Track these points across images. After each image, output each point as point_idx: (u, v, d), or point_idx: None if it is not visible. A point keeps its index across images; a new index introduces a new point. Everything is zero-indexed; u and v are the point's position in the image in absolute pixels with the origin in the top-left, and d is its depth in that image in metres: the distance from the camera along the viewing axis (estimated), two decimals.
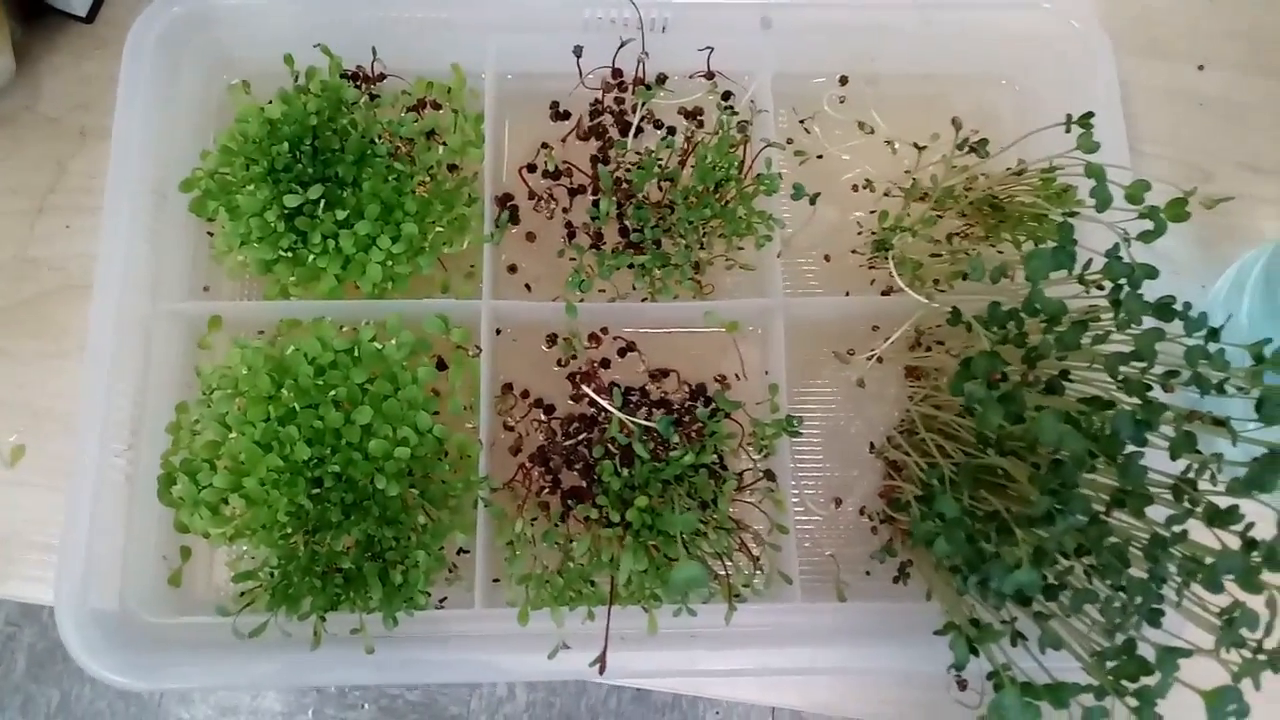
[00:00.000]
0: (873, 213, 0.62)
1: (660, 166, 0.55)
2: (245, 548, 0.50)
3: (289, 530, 0.49)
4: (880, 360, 0.58)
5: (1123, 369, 0.46)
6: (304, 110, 0.54)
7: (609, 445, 0.52)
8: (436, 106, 0.60)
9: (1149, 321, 0.46)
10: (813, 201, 0.56)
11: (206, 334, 0.55)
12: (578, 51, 0.58)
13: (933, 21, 0.62)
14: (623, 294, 0.58)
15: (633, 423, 0.51)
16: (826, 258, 0.61)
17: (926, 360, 0.58)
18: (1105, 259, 0.47)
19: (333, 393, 0.51)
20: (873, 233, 0.60)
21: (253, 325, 0.56)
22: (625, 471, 0.51)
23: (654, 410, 0.55)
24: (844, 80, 0.64)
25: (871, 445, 0.58)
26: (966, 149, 0.55)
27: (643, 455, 0.50)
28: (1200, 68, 0.69)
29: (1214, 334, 0.46)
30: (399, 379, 0.52)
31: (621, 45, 0.58)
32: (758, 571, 0.52)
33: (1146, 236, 0.48)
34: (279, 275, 0.55)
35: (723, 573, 0.50)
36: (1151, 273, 0.46)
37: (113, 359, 0.51)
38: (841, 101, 0.64)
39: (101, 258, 0.52)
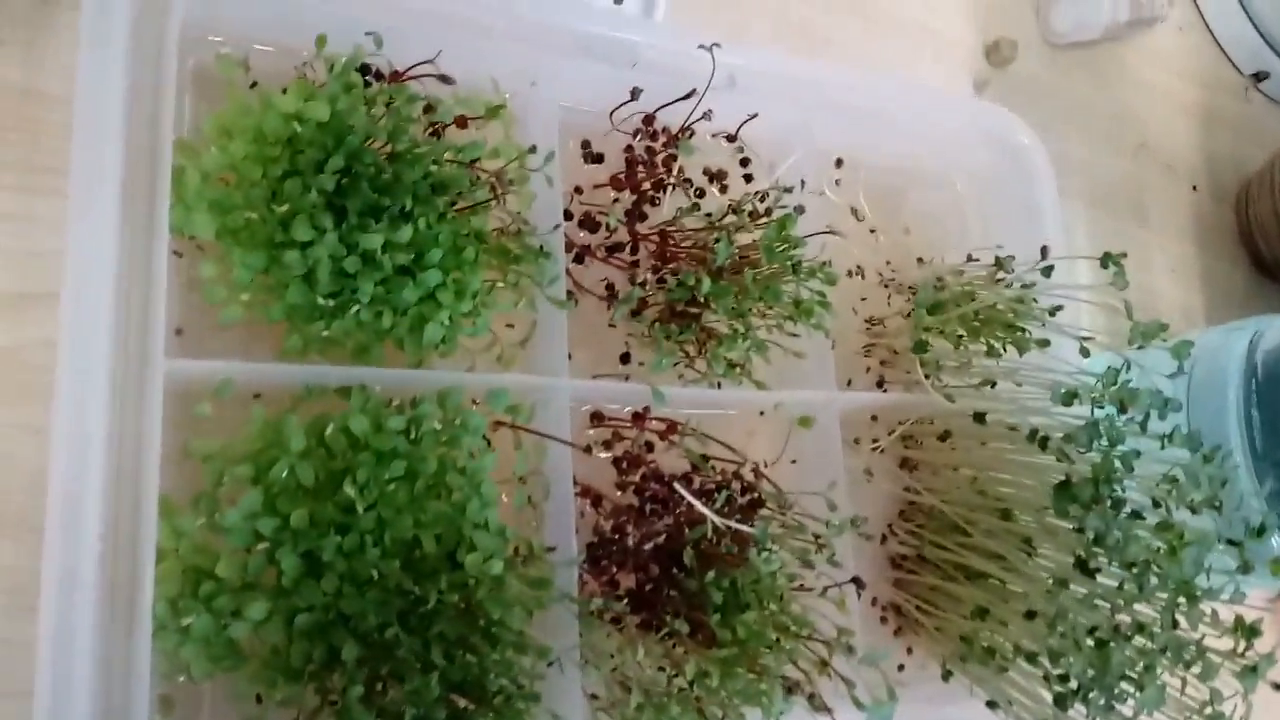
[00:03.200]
0: (864, 300, 0.63)
1: (728, 236, 0.51)
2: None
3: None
4: (882, 450, 0.60)
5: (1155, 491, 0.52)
6: (354, 111, 0.42)
7: (700, 548, 0.47)
8: (462, 125, 0.49)
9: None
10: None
11: (205, 401, 0.40)
12: (635, 94, 0.52)
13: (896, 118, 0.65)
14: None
15: (725, 525, 0.47)
16: (833, 343, 0.60)
17: (921, 452, 0.60)
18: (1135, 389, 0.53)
19: (391, 486, 0.41)
20: (877, 323, 0.62)
21: (247, 390, 0.42)
22: (721, 580, 0.46)
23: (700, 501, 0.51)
24: (839, 162, 0.64)
25: (884, 538, 0.59)
26: (994, 265, 0.58)
27: (761, 569, 0.46)
28: None
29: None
30: (469, 472, 0.43)
31: (686, 97, 0.53)
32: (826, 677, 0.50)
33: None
34: (304, 329, 0.42)
35: (806, 684, 0.48)
36: (1176, 405, 0.53)
37: (79, 440, 0.35)
38: (837, 184, 0.64)
39: (68, 299, 0.36)
